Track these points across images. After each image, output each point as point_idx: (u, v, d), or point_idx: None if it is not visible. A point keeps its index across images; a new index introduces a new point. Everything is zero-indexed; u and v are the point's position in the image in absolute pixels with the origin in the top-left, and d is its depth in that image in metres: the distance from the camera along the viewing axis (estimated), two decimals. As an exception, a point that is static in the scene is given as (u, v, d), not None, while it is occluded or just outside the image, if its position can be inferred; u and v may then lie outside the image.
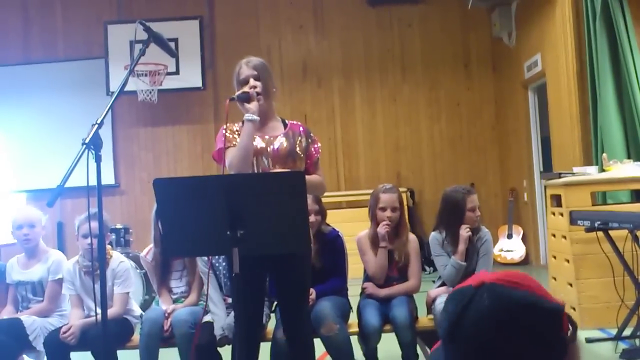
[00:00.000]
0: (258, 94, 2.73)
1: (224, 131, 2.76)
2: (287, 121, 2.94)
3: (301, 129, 2.91)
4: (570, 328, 1.08)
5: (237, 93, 2.72)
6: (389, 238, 3.51)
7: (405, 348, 3.27)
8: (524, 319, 1.04)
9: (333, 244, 3.50)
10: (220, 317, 3.31)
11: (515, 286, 1.07)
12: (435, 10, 8.35)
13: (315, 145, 2.92)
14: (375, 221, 3.55)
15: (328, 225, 3.60)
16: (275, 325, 3.18)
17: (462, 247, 3.45)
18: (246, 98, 2.71)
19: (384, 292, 3.48)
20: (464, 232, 3.46)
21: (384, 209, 3.50)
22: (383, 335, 3.32)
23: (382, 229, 3.47)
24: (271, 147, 2.77)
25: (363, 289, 3.57)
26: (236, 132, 2.80)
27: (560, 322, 1.07)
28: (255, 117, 2.69)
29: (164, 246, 2.38)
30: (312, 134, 2.95)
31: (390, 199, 3.51)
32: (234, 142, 2.75)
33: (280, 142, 2.80)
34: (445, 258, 3.52)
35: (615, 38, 5.13)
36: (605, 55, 5.18)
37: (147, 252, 3.59)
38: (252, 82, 2.76)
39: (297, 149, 2.82)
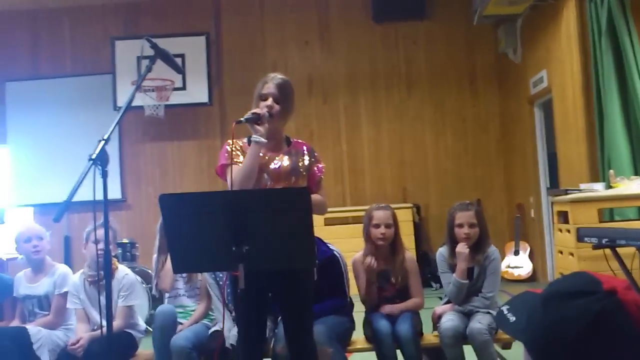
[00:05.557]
0: (271, 115, 2.68)
1: (227, 147, 2.73)
2: (291, 139, 2.91)
3: (304, 147, 2.89)
4: None
5: (246, 115, 2.65)
6: (385, 257, 3.47)
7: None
8: None
9: (329, 264, 3.41)
10: (226, 325, 3.29)
11: None
12: (441, 27, 8.38)
13: (319, 165, 2.88)
14: (369, 241, 3.49)
15: (323, 241, 3.50)
16: (274, 340, 3.16)
17: (461, 265, 3.37)
18: (256, 119, 2.65)
19: (387, 309, 3.43)
20: (461, 249, 3.38)
21: (377, 226, 3.44)
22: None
23: (378, 242, 3.43)
24: (273, 164, 2.75)
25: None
26: (240, 149, 2.76)
27: None
28: (263, 140, 2.64)
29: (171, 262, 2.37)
30: (316, 154, 2.90)
31: (384, 215, 3.45)
32: (238, 159, 2.70)
33: (283, 159, 2.78)
34: (450, 275, 3.45)
35: (621, 54, 5.13)
36: (611, 71, 5.18)
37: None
38: (270, 101, 2.72)
39: (300, 166, 2.80)
